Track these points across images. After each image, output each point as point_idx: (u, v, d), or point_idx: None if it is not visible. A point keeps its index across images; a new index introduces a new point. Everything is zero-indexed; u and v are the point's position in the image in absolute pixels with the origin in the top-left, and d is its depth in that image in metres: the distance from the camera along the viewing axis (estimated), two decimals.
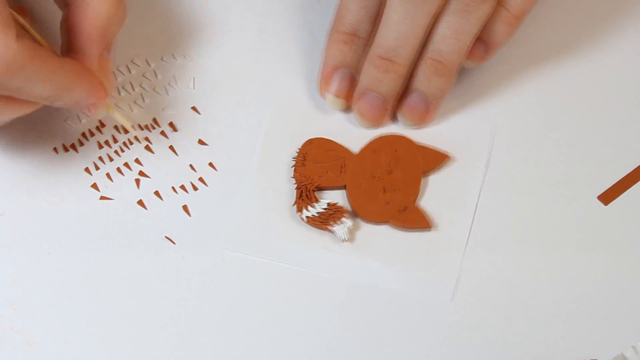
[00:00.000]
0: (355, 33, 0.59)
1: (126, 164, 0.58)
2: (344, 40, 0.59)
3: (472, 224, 0.57)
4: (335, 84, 0.59)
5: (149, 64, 0.61)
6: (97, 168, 0.58)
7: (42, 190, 0.57)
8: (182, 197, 0.57)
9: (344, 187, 0.58)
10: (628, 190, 0.58)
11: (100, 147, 0.58)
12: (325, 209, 0.57)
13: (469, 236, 0.57)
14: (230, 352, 0.54)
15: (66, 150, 0.58)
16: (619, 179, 0.59)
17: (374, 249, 0.56)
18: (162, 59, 0.61)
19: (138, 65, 0.61)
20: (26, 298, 0.54)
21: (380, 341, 0.54)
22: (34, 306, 0.54)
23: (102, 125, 0.59)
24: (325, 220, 0.56)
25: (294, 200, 0.57)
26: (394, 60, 0.57)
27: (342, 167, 0.58)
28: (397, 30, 0.56)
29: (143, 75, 0.61)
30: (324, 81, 0.60)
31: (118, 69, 0.61)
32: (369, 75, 0.58)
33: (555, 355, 0.54)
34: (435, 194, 0.58)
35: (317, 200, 0.57)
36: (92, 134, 0.59)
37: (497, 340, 0.54)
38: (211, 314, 0.54)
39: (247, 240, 0.56)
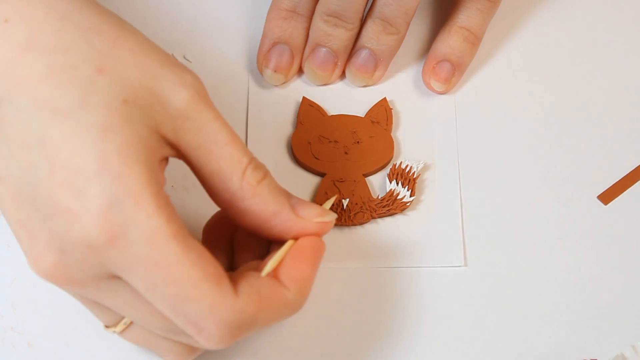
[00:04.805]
0: (294, 9, 0.60)
1: None
2: (284, 16, 0.60)
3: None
4: (274, 59, 0.60)
5: None
6: None
7: None
8: (182, 196, 0.57)
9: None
10: (628, 190, 0.58)
11: None
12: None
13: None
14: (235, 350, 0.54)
15: None
16: (619, 179, 0.59)
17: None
18: None
19: None
20: (26, 298, 0.54)
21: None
22: (34, 306, 0.54)
23: None
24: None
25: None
26: (342, 17, 0.58)
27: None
28: None
29: None
30: (262, 56, 0.60)
31: None
32: (319, 30, 0.59)
33: (555, 355, 0.53)
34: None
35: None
36: None
37: (497, 345, 0.54)
38: None
39: None
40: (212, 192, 0.47)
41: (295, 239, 0.48)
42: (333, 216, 0.49)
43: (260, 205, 0.47)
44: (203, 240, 0.51)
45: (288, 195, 0.48)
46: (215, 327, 0.44)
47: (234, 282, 0.45)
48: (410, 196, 0.57)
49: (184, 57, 0.62)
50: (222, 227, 0.51)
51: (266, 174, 0.47)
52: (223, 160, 0.46)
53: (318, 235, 0.48)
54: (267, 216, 0.47)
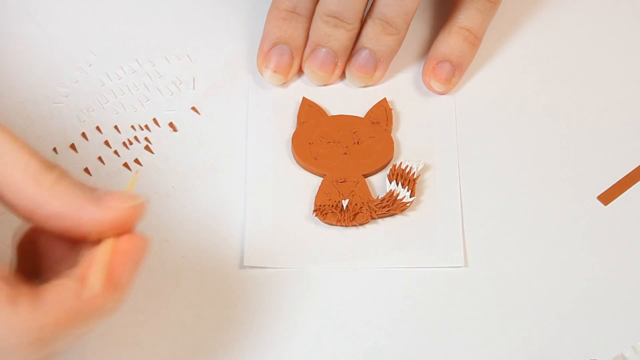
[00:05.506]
0: (294, 10, 0.60)
1: (126, 164, 0.58)
2: (284, 17, 0.60)
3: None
4: (274, 60, 0.60)
5: (152, 64, 0.61)
6: (97, 168, 0.58)
7: None
8: (183, 198, 0.57)
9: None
10: (628, 190, 0.58)
11: (100, 147, 0.59)
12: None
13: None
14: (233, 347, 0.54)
15: (66, 150, 0.58)
16: (619, 179, 0.59)
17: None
18: (164, 59, 0.62)
19: (140, 65, 0.61)
20: None
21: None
22: None
23: (102, 125, 0.59)
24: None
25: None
26: (342, 17, 0.59)
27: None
28: None
29: (146, 75, 0.61)
30: (262, 57, 0.61)
31: (121, 68, 0.61)
32: (319, 30, 0.59)
33: (556, 355, 0.53)
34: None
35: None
36: (92, 134, 0.59)
37: (497, 345, 0.54)
38: (209, 314, 0.54)
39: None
40: (10, 205, 0.44)
41: (116, 237, 0.45)
42: (139, 199, 0.45)
43: (62, 206, 0.44)
44: (18, 258, 0.48)
45: (91, 190, 0.45)
46: (16, 349, 0.42)
47: (38, 296, 0.43)
48: (410, 197, 0.57)
49: (185, 57, 0.62)
50: (28, 242, 0.47)
51: (61, 173, 0.44)
52: (10, 169, 0.43)
53: (128, 226, 0.45)
54: (73, 215, 0.44)
